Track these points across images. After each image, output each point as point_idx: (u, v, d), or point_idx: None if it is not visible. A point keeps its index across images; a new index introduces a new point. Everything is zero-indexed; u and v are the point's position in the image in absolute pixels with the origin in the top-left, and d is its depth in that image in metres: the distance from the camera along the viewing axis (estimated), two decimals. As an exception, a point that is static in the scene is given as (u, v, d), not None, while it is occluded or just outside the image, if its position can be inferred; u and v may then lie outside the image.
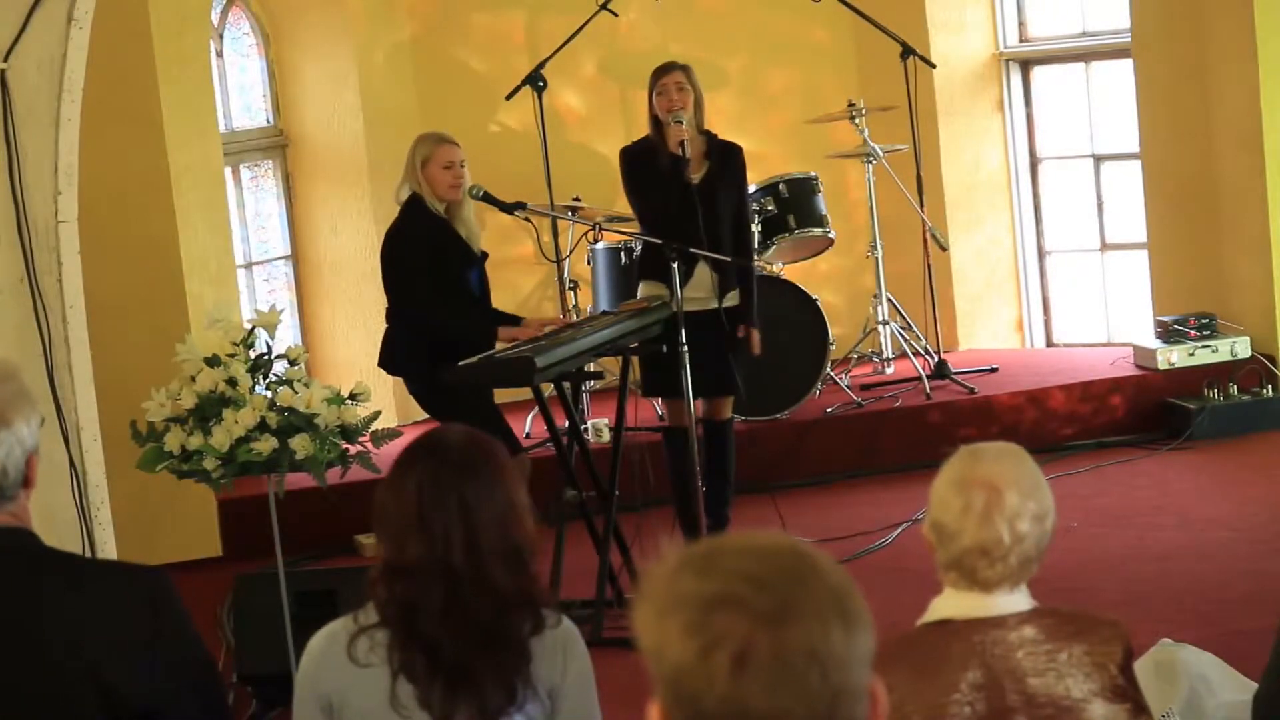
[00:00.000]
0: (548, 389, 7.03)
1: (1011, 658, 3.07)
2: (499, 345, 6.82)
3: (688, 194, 7.17)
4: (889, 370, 9.58)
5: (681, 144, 7.17)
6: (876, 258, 9.48)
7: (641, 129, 7.67)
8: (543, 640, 3.15)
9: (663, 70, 7.37)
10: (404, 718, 3.10)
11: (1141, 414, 9.06)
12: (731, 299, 7.34)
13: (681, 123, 7.19)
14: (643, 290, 7.41)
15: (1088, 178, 10.19)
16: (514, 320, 7.15)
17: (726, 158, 7.40)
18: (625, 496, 7.15)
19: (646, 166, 7.30)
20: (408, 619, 3.09)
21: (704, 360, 6.94)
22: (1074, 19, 10.20)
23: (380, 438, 5.66)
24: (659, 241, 6.94)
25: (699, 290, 7.19)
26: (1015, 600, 3.11)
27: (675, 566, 1.77)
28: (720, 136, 7.48)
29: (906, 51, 9.34)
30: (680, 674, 1.72)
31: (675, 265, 6.81)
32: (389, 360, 7.10)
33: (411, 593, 3.08)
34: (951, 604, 3.12)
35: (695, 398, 6.99)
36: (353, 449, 5.60)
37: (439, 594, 3.07)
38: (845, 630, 1.74)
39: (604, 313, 7.74)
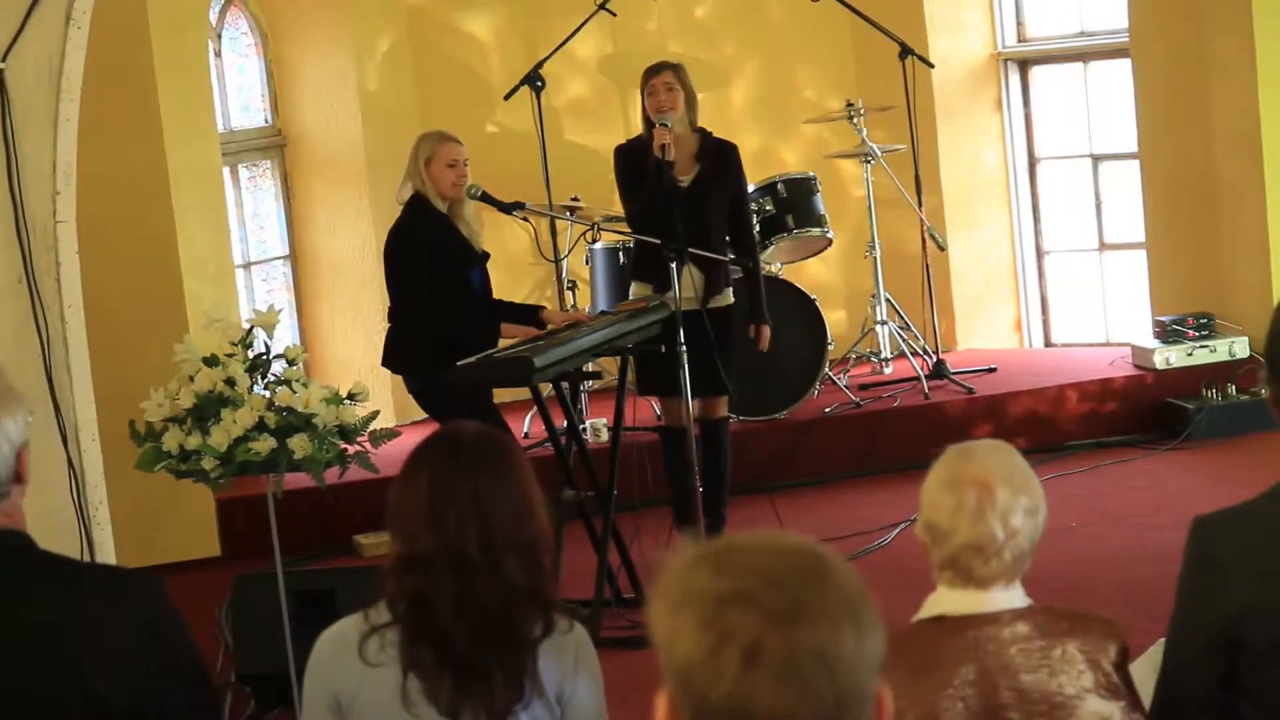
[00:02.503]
0: (546, 389, 7.03)
1: (1004, 654, 3.08)
2: (506, 342, 6.84)
3: (671, 196, 7.16)
4: (887, 370, 9.58)
5: (664, 148, 7.17)
6: (875, 258, 9.48)
7: (640, 129, 7.68)
8: (555, 643, 3.15)
9: (652, 71, 7.37)
10: (414, 715, 3.10)
11: (1140, 414, 9.06)
12: (718, 300, 7.34)
13: (667, 125, 7.20)
14: (634, 291, 7.42)
15: (1086, 177, 10.19)
16: (529, 311, 7.14)
17: (721, 157, 7.39)
18: (624, 496, 7.15)
19: (636, 166, 7.31)
20: (419, 612, 3.09)
21: (692, 361, 6.92)
22: (1072, 19, 10.20)
23: (378, 438, 5.66)
24: (657, 241, 6.95)
25: (685, 291, 7.18)
26: (1010, 597, 3.11)
27: (691, 562, 1.78)
28: (715, 135, 7.48)
29: (905, 51, 9.34)
30: (690, 668, 1.73)
31: (674, 265, 6.82)
32: (392, 359, 7.10)
33: (424, 585, 3.08)
34: (946, 601, 3.12)
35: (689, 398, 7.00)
36: (351, 449, 5.60)
37: (451, 585, 3.07)
38: (856, 634, 1.74)
39: (602, 312, 7.75)
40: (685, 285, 7.18)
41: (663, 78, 7.30)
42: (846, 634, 1.73)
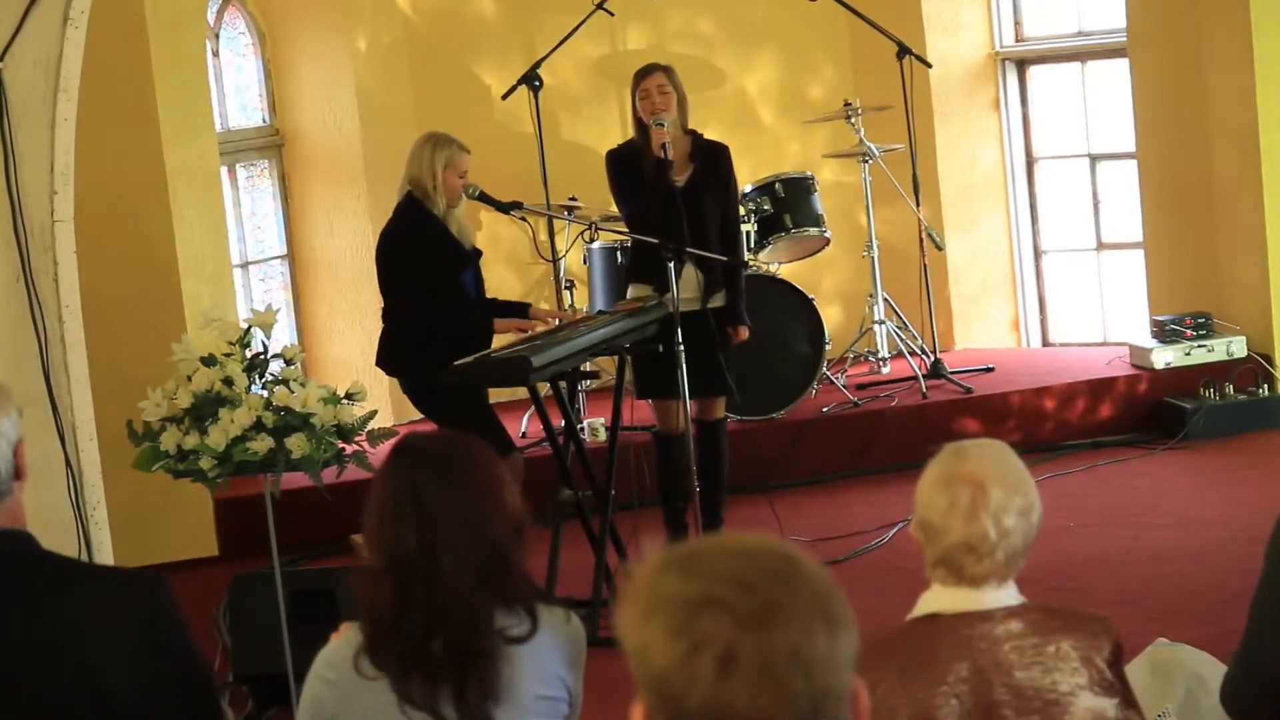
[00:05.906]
0: (544, 388, 7.03)
1: (998, 651, 3.08)
2: (500, 339, 6.84)
3: (672, 197, 7.15)
4: (885, 370, 9.59)
5: (664, 147, 7.16)
6: (872, 257, 9.48)
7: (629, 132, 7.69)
8: (560, 635, 3.21)
9: (644, 73, 7.35)
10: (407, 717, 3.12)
11: (1137, 414, 9.06)
12: (718, 300, 7.33)
13: (664, 125, 7.17)
14: (632, 292, 7.42)
15: (1084, 177, 10.19)
16: (518, 308, 7.15)
17: (712, 158, 7.38)
18: (621, 496, 7.15)
19: (631, 170, 7.29)
20: (373, 615, 3.12)
21: (693, 361, 6.92)
22: (1070, 18, 10.21)
23: (376, 437, 5.66)
24: (655, 241, 6.94)
25: (685, 291, 7.15)
26: (1003, 595, 3.12)
27: (658, 567, 1.77)
28: (707, 136, 7.47)
29: (903, 51, 9.34)
30: (664, 676, 1.72)
31: (671, 264, 6.82)
32: (386, 360, 7.10)
33: (370, 588, 3.13)
34: (939, 599, 3.13)
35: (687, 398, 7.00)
36: (348, 448, 5.60)
37: (390, 586, 3.11)
38: (829, 632, 1.74)
39: (600, 312, 7.75)
40: (687, 284, 7.19)
41: (655, 80, 7.28)
42: (819, 633, 1.73)
